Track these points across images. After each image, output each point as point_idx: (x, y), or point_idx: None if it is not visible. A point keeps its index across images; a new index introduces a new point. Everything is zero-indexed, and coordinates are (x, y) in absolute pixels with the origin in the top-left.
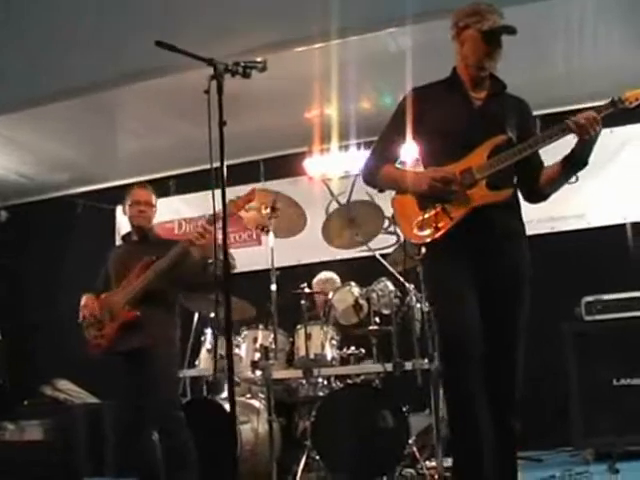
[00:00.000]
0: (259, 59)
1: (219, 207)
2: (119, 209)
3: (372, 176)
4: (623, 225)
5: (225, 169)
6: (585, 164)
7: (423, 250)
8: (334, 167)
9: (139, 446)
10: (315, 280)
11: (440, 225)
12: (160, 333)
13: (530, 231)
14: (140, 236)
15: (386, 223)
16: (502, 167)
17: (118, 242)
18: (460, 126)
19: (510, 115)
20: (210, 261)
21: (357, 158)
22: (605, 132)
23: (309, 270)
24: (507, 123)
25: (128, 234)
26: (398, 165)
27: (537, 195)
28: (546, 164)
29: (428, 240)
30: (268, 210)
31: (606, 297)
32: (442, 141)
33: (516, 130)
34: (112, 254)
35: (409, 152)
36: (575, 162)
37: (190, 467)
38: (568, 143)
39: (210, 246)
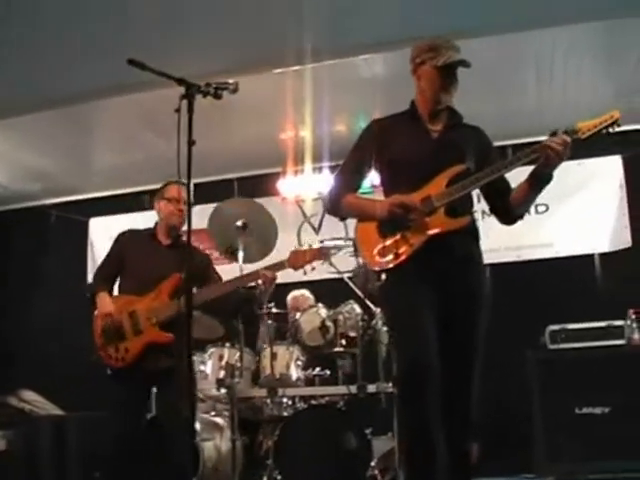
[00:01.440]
0: (231, 80)
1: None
2: (92, 221)
3: (335, 206)
4: (591, 256)
5: (192, 187)
6: (550, 179)
7: (383, 276)
8: (307, 188)
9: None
10: (289, 297)
11: (400, 251)
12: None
13: (498, 259)
14: (172, 239)
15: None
16: (461, 195)
17: (90, 254)
18: (419, 157)
19: (467, 145)
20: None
21: (330, 180)
22: (574, 164)
23: (278, 290)
24: (465, 153)
25: (154, 232)
26: (369, 189)
27: (511, 217)
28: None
29: (389, 266)
30: (239, 223)
31: (570, 326)
32: (402, 171)
33: (474, 159)
34: (128, 245)
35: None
36: (541, 178)
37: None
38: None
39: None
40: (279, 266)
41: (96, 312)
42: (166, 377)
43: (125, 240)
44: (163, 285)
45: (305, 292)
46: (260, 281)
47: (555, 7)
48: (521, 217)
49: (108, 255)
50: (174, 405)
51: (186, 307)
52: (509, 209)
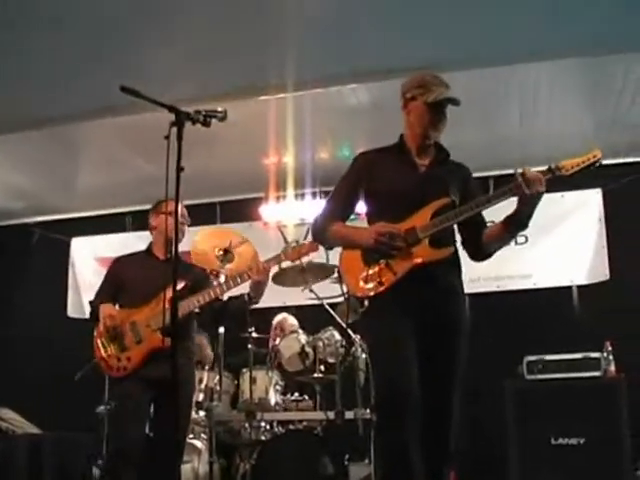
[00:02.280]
0: (220, 108)
1: None
2: (74, 241)
3: (321, 234)
4: (569, 287)
5: (180, 211)
6: (526, 226)
7: (366, 303)
8: (290, 214)
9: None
10: (276, 319)
11: (384, 280)
12: (186, 363)
13: (477, 289)
14: (170, 254)
15: (336, 273)
16: (444, 227)
17: (71, 274)
18: (406, 190)
19: (452, 180)
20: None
21: (313, 206)
22: (555, 196)
23: (259, 315)
24: (450, 187)
25: (149, 249)
26: (354, 216)
27: (481, 254)
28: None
29: (372, 294)
30: (221, 252)
31: (548, 357)
32: (388, 203)
33: (458, 193)
34: (125, 265)
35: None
36: (516, 222)
37: None
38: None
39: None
40: (276, 259)
41: (98, 324)
42: (166, 390)
43: (120, 263)
44: (163, 295)
45: (292, 318)
46: (254, 273)
47: (539, 43)
48: (489, 256)
49: (105, 277)
50: (169, 422)
51: (171, 321)
52: (480, 244)
